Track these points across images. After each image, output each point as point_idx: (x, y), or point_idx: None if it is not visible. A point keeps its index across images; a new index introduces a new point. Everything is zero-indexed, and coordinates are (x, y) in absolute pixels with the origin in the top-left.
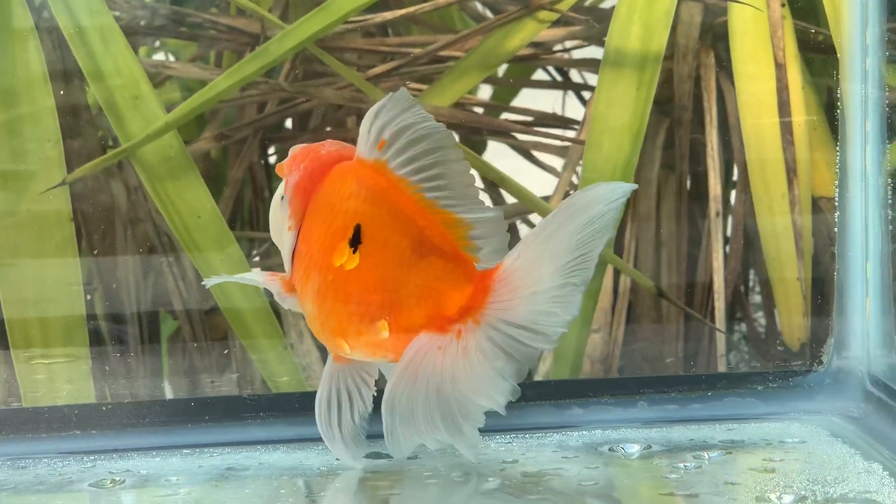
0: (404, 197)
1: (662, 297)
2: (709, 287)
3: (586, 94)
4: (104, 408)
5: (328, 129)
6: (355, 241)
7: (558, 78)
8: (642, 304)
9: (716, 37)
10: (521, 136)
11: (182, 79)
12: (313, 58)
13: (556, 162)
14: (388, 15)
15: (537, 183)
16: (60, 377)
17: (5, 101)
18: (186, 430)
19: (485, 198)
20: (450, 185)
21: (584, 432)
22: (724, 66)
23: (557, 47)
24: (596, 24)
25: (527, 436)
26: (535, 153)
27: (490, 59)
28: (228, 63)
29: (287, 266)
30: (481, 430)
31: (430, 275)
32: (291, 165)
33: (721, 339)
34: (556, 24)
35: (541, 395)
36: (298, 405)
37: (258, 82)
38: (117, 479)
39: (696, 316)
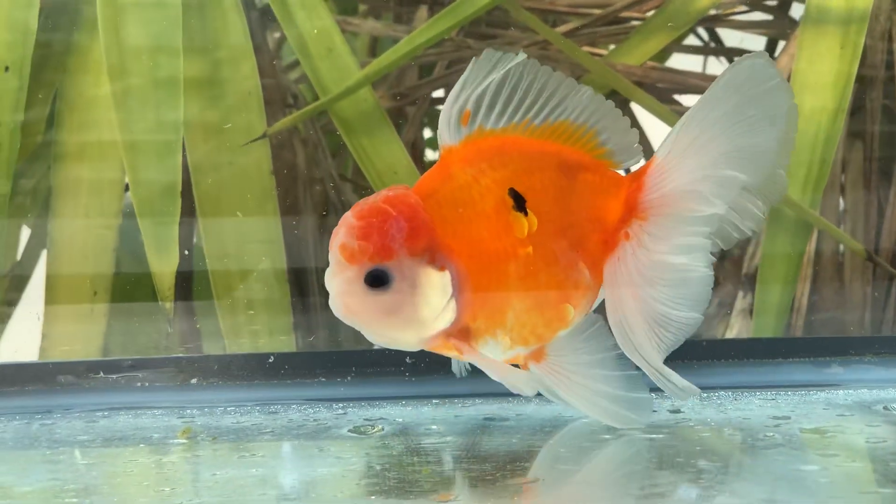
0: (521, 139)
1: (872, 262)
2: None
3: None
4: (334, 356)
5: None
6: (520, 205)
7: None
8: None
9: None
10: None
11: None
12: (480, 19)
13: None
14: None
15: None
16: (263, 328)
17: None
18: (434, 381)
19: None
20: (554, 103)
21: (850, 391)
22: None
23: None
24: None
25: (789, 392)
26: None
27: (677, 20)
28: (407, 20)
29: (448, 318)
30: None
31: (587, 193)
32: (370, 237)
33: None
34: None
35: (797, 352)
36: None
37: (445, 40)
38: (375, 426)
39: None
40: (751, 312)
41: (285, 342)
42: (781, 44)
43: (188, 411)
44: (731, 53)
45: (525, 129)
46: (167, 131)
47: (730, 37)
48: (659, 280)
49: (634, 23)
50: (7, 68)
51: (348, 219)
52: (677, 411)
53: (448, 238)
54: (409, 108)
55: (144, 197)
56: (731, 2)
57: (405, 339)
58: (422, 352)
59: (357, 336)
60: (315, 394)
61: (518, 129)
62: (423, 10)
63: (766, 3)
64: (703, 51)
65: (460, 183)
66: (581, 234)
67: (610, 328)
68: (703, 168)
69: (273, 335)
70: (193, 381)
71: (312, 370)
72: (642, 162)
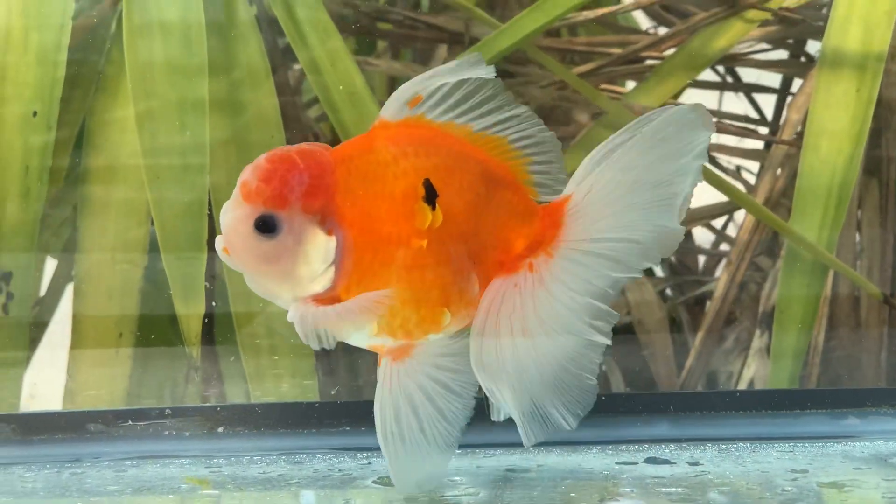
0: (455, 138)
1: (889, 305)
2: None
3: (757, 95)
4: (360, 405)
5: None
6: (431, 198)
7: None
8: (841, 311)
9: None
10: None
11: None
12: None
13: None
14: (588, 14)
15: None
16: (286, 371)
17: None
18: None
19: None
20: (499, 119)
21: (867, 443)
22: None
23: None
24: (813, 24)
25: (807, 444)
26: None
27: (696, 60)
28: (424, 60)
29: (324, 283)
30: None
31: (501, 211)
32: (270, 181)
33: None
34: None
35: (815, 403)
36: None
37: None
38: None
39: None
40: (768, 351)
41: (309, 387)
42: (796, 81)
43: (215, 460)
44: (748, 89)
45: (463, 130)
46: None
47: (746, 72)
48: (545, 328)
49: (650, 62)
50: (35, 113)
51: (260, 159)
52: (696, 463)
53: (346, 206)
54: None
55: (169, 230)
56: (749, 40)
57: (279, 292)
58: None
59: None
60: (340, 443)
61: (456, 128)
62: (441, 49)
63: (783, 41)
64: (719, 86)
65: (378, 158)
66: (483, 247)
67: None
68: (623, 221)
69: (296, 378)
70: (220, 429)
71: (338, 419)
72: None
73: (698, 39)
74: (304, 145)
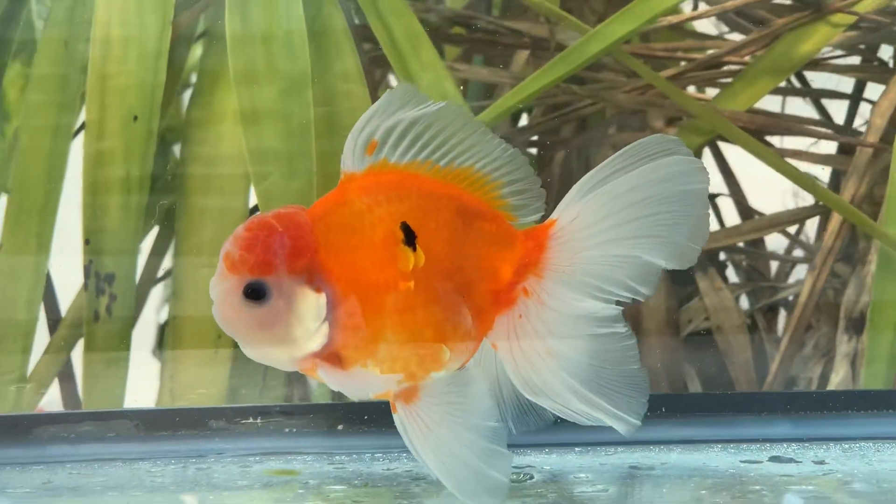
0: (423, 177)
1: None
2: None
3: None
4: None
5: (610, 132)
6: (410, 240)
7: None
8: None
9: None
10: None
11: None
12: None
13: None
14: (672, 19)
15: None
16: None
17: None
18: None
19: None
20: (462, 149)
21: None
22: None
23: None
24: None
25: None
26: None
27: (781, 65)
28: (502, 65)
29: (320, 340)
30: None
31: (481, 241)
32: (252, 249)
33: None
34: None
35: None
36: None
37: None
38: (523, 473)
39: None
40: (854, 357)
41: None
42: (869, 85)
43: (337, 457)
44: (818, 95)
45: (429, 168)
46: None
47: (816, 77)
48: (563, 329)
49: (728, 67)
50: (136, 118)
51: (238, 229)
52: (822, 462)
53: (330, 261)
54: None
55: None
56: (835, 45)
57: (277, 356)
58: None
59: None
60: None
61: (422, 167)
62: (520, 55)
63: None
64: (787, 92)
65: (353, 210)
66: (469, 280)
67: (487, 391)
68: (609, 251)
69: None
70: (340, 427)
71: None
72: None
73: (783, 44)
74: (279, 210)
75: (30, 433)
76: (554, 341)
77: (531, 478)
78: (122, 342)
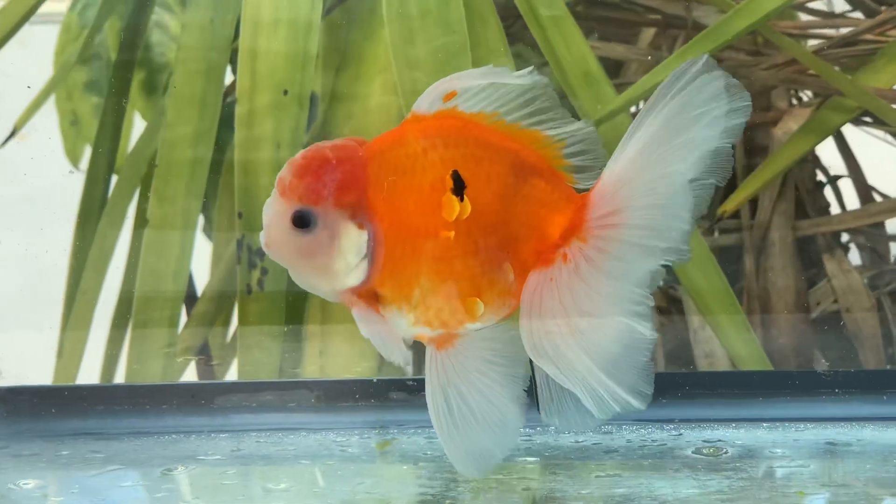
0: (485, 128)
1: None
2: None
3: None
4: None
5: None
6: (458, 189)
7: None
8: None
9: None
10: None
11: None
12: None
13: None
14: None
15: None
16: None
17: None
18: (767, 403)
19: None
20: (533, 109)
21: None
22: None
23: None
24: None
25: None
26: None
27: None
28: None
29: (359, 276)
30: None
31: (533, 199)
32: (304, 177)
33: None
34: None
35: None
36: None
37: None
38: (715, 448)
39: None
40: None
41: None
42: None
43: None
44: None
45: (494, 120)
46: None
47: None
48: (591, 307)
49: (863, 46)
50: (286, 91)
51: (296, 156)
52: None
53: (377, 200)
54: None
55: None
56: None
57: (319, 285)
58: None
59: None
60: (645, 414)
61: (487, 118)
62: (647, 32)
63: None
64: None
65: (408, 151)
66: (515, 237)
67: (525, 356)
68: (646, 203)
69: None
70: None
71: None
72: None
73: None
74: (339, 141)
75: (213, 402)
76: (576, 314)
77: (725, 452)
78: (276, 316)
